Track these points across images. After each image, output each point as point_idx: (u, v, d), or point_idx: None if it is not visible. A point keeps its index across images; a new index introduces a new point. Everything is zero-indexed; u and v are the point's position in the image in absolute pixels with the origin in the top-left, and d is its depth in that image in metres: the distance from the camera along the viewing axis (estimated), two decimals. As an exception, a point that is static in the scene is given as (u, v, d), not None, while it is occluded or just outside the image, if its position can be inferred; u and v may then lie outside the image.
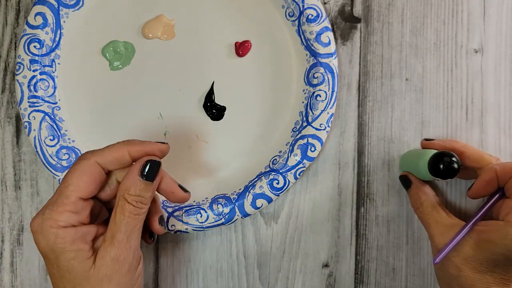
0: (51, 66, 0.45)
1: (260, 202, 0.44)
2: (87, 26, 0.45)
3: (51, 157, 0.44)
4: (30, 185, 0.46)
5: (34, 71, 0.44)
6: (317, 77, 0.44)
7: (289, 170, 0.44)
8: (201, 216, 0.44)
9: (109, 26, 0.45)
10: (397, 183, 0.46)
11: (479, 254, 0.37)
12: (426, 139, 0.44)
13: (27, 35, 0.43)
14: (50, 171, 0.43)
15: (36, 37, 0.44)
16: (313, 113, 0.44)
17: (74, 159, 0.44)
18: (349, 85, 0.46)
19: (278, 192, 0.44)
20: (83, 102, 0.46)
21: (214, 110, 0.46)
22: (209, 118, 0.46)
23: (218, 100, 0.46)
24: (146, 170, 0.35)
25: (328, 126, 0.44)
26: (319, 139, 0.44)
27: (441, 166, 0.37)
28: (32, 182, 0.46)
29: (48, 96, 0.44)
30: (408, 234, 0.46)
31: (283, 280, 0.46)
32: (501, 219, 0.38)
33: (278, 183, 0.44)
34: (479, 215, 0.39)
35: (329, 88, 0.44)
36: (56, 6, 0.44)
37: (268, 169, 0.45)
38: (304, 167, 0.44)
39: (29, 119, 0.44)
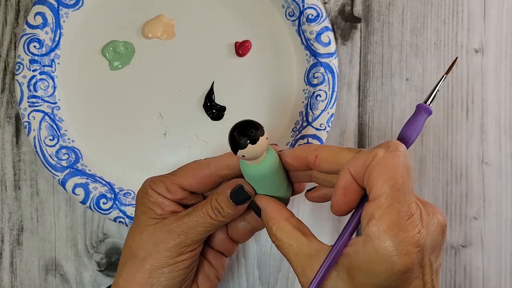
0: (50, 66, 0.44)
1: None
2: (87, 26, 0.45)
3: (51, 157, 0.44)
4: (29, 185, 0.46)
5: (33, 71, 0.44)
6: (317, 77, 0.44)
7: None
8: None
9: (109, 26, 0.45)
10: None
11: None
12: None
13: (27, 35, 0.43)
14: (50, 171, 0.43)
15: (36, 37, 0.44)
16: (313, 113, 0.44)
17: (74, 159, 0.44)
18: (349, 85, 0.46)
19: None
20: (83, 102, 0.45)
21: (214, 110, 0.46)
22: (209, 118, 0.46)
23: (218, 100, 0.46)
24: (233, 192, 0.34)
25: (328, 126, 0.44)
26: (319, 139, 0.44)
27: (235, 134, 0.31)
28: (31, 182, 0.46)
29: (48, 96, 0.44)
30: (408, 234, 0.46)
31: (283, 280, 0.46)
32: (362, 233, 0.28)
33: None
34: (345, 234, 0.29)
35: (329, 88, 0.44)
36: (56, 6, 0.44)
37: None
38: None
39: (28, 119, 0.43)
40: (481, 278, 0.46)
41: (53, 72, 0.45)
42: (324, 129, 0.44)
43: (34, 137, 0.43)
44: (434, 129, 0.46)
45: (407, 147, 0.30)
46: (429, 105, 0.32)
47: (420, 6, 0.46)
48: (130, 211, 0.43)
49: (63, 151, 0.44)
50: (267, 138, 0.31)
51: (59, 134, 0.44)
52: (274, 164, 0.33)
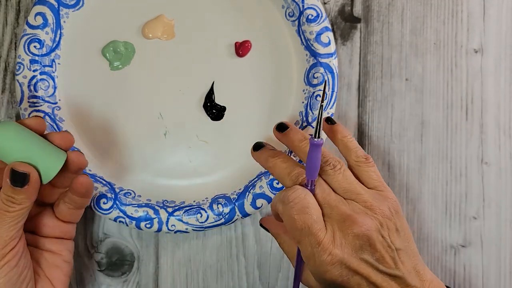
0: (51, 66, 0.45)
1: (260, 202, 0.44)
2: (87, 26, 0.45)
3: None
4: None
5: (34, 71, 0.44)
6: (317, 77, 0.44)
7: None
8: (201, 216, 0.44)
9: (109, 26, 0.45)
10: (397, 183, 0.46)
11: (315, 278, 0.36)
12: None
13: (27, 35, 0.43)
14: None
15: (36, 37, 0.44)
16: (313, 113, 0.44)
17: None
18: (349, 85, 0.46)
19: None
20: (83, 102, 0.46)
21: (214, 110, 0.46)
22: (209, 118, 0.46)
23: (218, 100, 0.46)
24: (11, 178, 0.35)
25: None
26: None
27: None
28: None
29: (48, 96, 0.44)
30: (408, 234, 0.46)
31: (283, 280, 0.46)
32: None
33: (278, 183, 0.44)
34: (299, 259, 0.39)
35: (329, 88, 0.44)
36: (56, 6, 0.44)
37: None
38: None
39: None
40: (481, 278, 0.46)
41: (53, 72, 0.45)
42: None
43: None
44: (433, 129, 0.46)
45: (314, 180, 0.36)
46: (317, 138, 0.35)
47: (419, 6, 0.46)
48: (131, 211, 0.43)
49: None
50: None
51: None
52: (11, 131, 0.35)
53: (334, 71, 0.44)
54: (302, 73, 0.45)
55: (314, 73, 0.44)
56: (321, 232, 0.34)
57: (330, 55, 0.44)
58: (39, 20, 0.43)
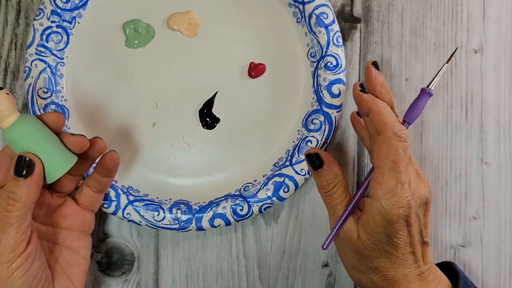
0: (70, 22, 0.45)
1: (218, 221, 0.43)
2: (118, -3, 0.45)
3: (39, 109, 0.44)
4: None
5: (52, 22, 0.44)
6: (315, 123, 0.44)
7: (256, 202, 0.43)
8: (158, 215, 0.44)
9: (138, 5, 0.45)
10: (397, 183, 0.46)
11: (365, 238, 0.37)
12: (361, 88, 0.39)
13: None
14: None
15: None
16: (298, 156, 0.44)
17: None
18: (349, 86, 0.46)
19: (238, 218, 0.44)
20: (88, 66, 0.45)
21: (208, 119, 0.45)
22: (200, 124, 0.46)
23: (216, 111, 0.46)
24: (16, 167, 0.35)
25: (308, 175, 0.43)
26: (295, 182, 0.43)
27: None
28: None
29: (57, 50, 0.45)
30: (408, 234, 0.46)
31: (283, 280, 0.46)
32: (369, 195, 0.37)
33: (241, 210, 0.43)
34: (357, 195, 0.39)
35: (322, 138, 0.44)
36: None
37: (238, 193, 0.44)
38: (272, 204, 0.43)
39: (31, 65, 0.44)
40: (481, 277, 0.46)
41: (70, 29, 0.45)
42: (303, 175, 0.44)
43: (30, 84, 0.44)
44: (433, 129, 0.46)
45: (411, 123, 0.39)
46: (430, 89, 0.39)
47: (419, 7, 0.46)
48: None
49: (52, 106, 0.44)
50: (8, 94, 0.35)
51: (54, 89, 0.44)
52: (27, 125, 0.35)
53: (333, 124, 0.44)
54: (303, 114, 0.45)
55: (313, 119, 0.44)
56: (404, 175, 0.36)
57: (335, 107, 0.44)
58: None
